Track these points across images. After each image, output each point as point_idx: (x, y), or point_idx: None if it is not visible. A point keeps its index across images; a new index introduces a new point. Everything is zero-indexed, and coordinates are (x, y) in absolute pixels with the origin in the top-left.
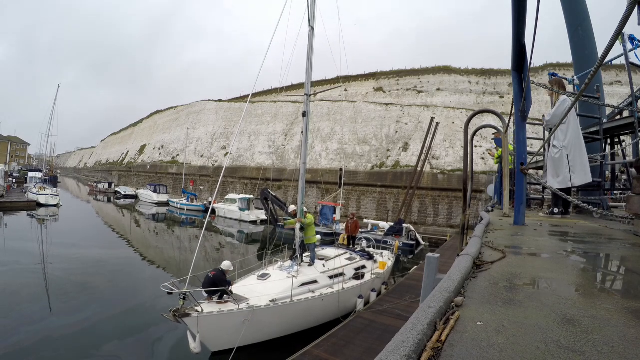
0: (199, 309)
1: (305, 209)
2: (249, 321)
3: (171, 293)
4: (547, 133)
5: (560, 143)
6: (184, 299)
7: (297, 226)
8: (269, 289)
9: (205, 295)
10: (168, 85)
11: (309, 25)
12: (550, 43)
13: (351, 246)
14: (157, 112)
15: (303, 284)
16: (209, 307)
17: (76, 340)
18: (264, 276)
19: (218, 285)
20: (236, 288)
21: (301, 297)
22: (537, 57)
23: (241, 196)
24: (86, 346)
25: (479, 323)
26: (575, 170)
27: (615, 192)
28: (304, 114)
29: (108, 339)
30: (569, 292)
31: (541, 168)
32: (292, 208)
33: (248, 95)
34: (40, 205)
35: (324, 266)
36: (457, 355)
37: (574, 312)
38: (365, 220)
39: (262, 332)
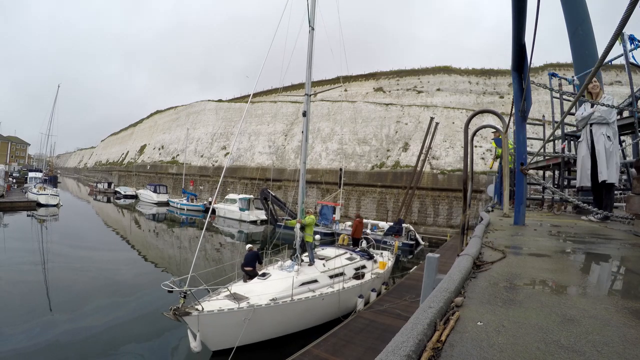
0: (199, 307)
1: (310, 210)
2: (249, 319)
3: (172, 291)
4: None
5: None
6: (185, 297)
7: (297, 226)
8: (269, 288)
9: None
10: None
11: (309, 25)
12: (550, 43)
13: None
14: (157, 112)
15: (303, 284)
16: (209, 306)
17: (75, 339)
18: (264, 275)
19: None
20: (236, 287)
21: (302, 297)
22: (537, 57)
23: (241, 196)
24: (85, 345)
25: (479, 323)
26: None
27: (615, 192)
28: (304, 114)
29: (107, 337)
30: (569, 292)
31: (541, 168)
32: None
33: (248, 96)
34: (40, 205)
35: (324, 266)
36: (457, 356)
37: (574, 312)
38: (365, 220)
39: (262, 331)
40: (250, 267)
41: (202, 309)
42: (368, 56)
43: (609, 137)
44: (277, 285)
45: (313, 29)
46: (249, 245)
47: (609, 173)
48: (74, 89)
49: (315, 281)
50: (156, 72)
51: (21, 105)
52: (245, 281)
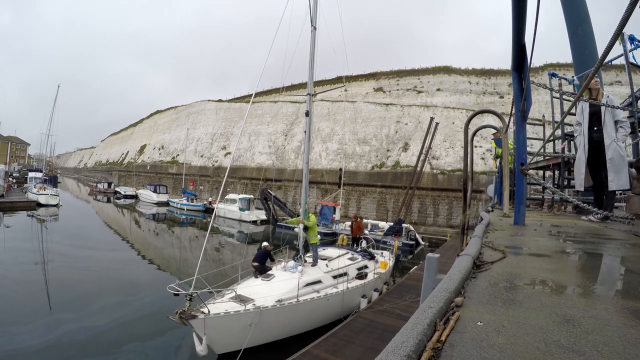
0: (205, 310)
1: (310, 210)
2: (255, 323)
3: (177, 294)
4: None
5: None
6: (190, 300)
7: (300, 227)
8: (274, 290)
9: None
10: None
11: (312, 25)
12: (550, 43)
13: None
14: (157, 112)
15: (307, 284)
16: (215, 309)
17: (77, 342)
18: (268, 276)
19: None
20: (240, 289)
21: (307, 297)
22: (537, 57)
23: (241, 196)
24: (88, 348)
25: (479, 323)
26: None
27: (615, 192)
28: (306, 114)
29: (111, 341)
30: (569, 292)
31: (541, 168)
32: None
33: (248, 96)
34: (40, 205)
35: (327, 266)
36: (457, 356)
37: (574, 312)
38: (365, 220)
39: (268, 333)
40: (257, 263)
41: (209, 311)
42: (390, 56)
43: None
44: (281, 286)
45: (315, 28)
46: (265, 243)
47: (620, 181)
48: (86, 88)
49: (319, 282)
50: (172, 72)
51: (30, 104)
52: (255, 277)
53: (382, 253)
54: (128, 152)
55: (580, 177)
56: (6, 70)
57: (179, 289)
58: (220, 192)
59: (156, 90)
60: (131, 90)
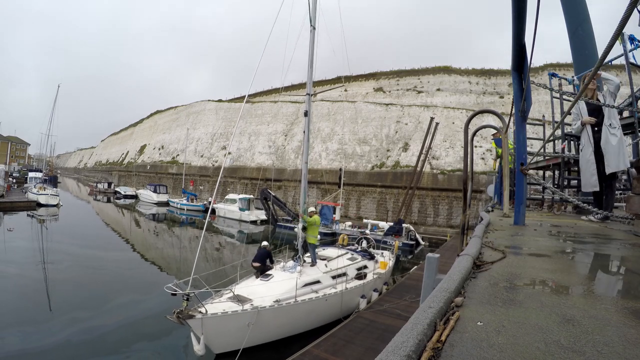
0: (203, 310)
1: (313, 209)
2: (253, 324)
3: (175, 294)
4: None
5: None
6: (188, 300)
7: (299, 226)
8: (272, 290)
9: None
10: None
11: (311, 24)
12: (550, 43)
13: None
14: (157, 112)
15: (306, 284)
16: (213, 308)
17: (76, 341)
18: (266, 277)
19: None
20: (239, 289)
21: (305, 298)
22: (537, 57)
23: (241, 196)
24: (86, 348)
25: (479, 323)
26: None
27: (615, 192)
28: (305, 114)
29: (109, 340)
30: (569, 292)
31: (541, 168)
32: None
33: (249, 95)
34: (40, 205)
35: (326, 266)
36: (457, 356)
37: (574, 312)
38: (365, 220)
39: (266, 333)
40: (259, 263)
41: (206, 311)
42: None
43: (614, 126)
44: (280, 286)
45: (314, 28)
46: (264, 243)
47: (617, 163)
48: (117, 85)
49: (318, 282)
50: (216, 70)
51: (51, 101)
52: (256, 277)
53: (382, 253)
54: (128, 152)
55: (592, 177)
56: (30, 62)
57: (176, 289)
58: (215, 192)
59: (197, 89)
60: (178, 89)
